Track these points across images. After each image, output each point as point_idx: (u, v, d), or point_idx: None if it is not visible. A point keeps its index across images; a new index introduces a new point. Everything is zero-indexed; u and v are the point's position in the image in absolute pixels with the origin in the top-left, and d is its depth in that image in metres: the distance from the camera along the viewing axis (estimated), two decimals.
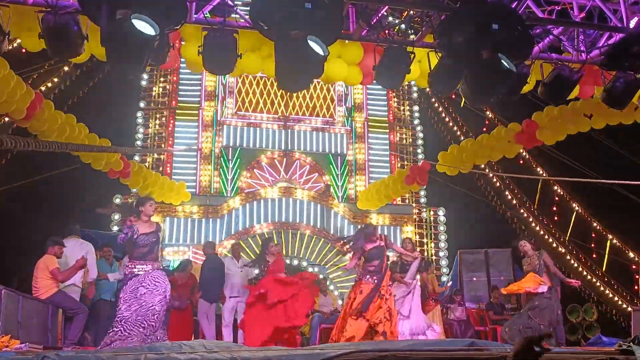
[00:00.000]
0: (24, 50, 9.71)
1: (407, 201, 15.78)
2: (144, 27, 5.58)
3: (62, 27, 5.82)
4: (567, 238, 15.58)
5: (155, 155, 14.73)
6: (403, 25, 13.09)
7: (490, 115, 17.20)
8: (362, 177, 15.58)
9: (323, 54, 6.09)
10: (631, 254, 15.87)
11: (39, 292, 7.61)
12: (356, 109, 16.04)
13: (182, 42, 7.78)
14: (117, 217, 13.76)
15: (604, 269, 15.57)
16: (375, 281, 7.94)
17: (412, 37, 10.96)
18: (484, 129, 16.73)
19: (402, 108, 16.52)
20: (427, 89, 16.57)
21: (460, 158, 11.75)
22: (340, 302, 12.35)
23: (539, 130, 10.23)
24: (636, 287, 15.76)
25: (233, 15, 7.45)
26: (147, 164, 14.19)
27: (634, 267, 15.65)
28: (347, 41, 7.94)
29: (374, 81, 7.54)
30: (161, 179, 12.88)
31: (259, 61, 7.76)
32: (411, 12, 8.51)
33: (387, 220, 14.98)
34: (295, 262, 14.08)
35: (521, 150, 14.01)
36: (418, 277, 9.48)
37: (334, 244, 8.83)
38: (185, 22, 6.25)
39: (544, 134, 10.24)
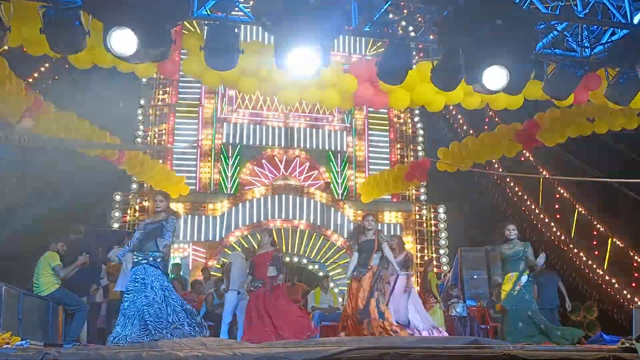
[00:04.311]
0: (25, 50, 9.66)
1: (407, 199, 15.75)
2: (122, 43, 5.59)
3: (64, 22, 5.78)
4: (571, 236, 15.54)
5: (156, 153, 14.70)
6: (404, 22, 13.06)
7: (490, 113, 17.15)
8: (361, 174, 15.57)
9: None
10: (631, 252, 15.85)
11: (40, 288, 7.59)
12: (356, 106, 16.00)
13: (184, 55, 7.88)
14: (117, 214, 13.74)
15: (605, 267, 15.53)
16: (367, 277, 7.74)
17: (412, 33, 10.92)
18: (485, 127, 16.73)
19: None
20: None
21: (461, 156, 11.73)
22: (340, 299, 12.32)
23: (539, 130, 10.20)
24: (634, 285, 15.75)
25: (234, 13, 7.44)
26: None
27: (634, 264, 15.64)
28: (343, 69, 8.43)
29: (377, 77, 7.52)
30: (159, 165, 12.82)
31: (257, 83, 7.93)
32: (413, 7, 8.49)
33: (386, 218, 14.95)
34: (296, 259, 14.07)
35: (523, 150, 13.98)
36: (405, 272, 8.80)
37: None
38: (187, 17, 6.22)
39: (544, 135, 10.20)
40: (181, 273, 12.24)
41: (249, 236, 13.79)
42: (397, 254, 8.79)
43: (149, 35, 5.84)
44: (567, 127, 9.85)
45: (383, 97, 8.62)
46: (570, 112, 9.64)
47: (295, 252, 14.09)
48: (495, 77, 6.23)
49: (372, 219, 8.07)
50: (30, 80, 13.37)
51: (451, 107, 17.60)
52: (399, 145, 16.07)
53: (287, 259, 13.72)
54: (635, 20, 7.00)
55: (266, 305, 8.24)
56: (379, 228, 11.86)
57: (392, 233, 14.75)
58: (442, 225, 15.54)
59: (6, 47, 6.50)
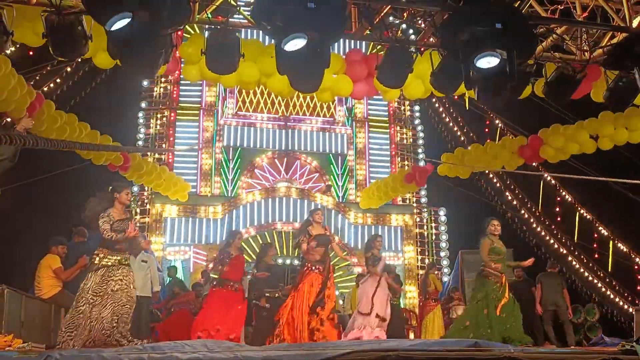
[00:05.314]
0: (31, 53, 9.71)
1: (407, 201, 15.76)
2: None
3: (66, 27, 5.80)
4: (574, 241, 15.52)
5: (157, 155, 14.74)
6: (404, 25, 13.09)
7: (491, 116, 17.17)
8: (362, 176, 15.59)
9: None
10: (632, 255, 15.83)
11: (41, 291, 7.62)
12: (356, 109, 16.03)
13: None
14: None
15: (609, 269, 15.51)
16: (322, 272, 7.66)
17: (412, 36, 10.95)
18: (486, 130, 16.76)
19: (402, 108, 16.51)
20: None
21: (462, 162, 11.77)
22: (341, 302, 12.34)
23: (543, 147, 10.22)
24: (638, 288, 15.72)
25: (236, 16, 7.49)
26: None
27: (636, 267, 15.62)
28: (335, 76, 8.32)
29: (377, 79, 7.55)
30: (166, 174, 12.82)
31: (255, 85, 7.98)
32: (412, 11, 8.54)
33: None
34: (296, 262, 14.05)
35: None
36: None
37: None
38: (188, 22, 6.24)
39: (547, 151, 10.21)
40: (177, 275, 12.24)
41: (249, 239, 13.79)
42: (378, 254, 8.86)
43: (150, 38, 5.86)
44: (570, 144, 9.81)
45: (376, 93, 8.83)
46: (573, 128, 9.65)
47: (296, 254, 14.08)
48: (487, 60, 6.11)
49: (321, 214, 8.13)
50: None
51: (452, 111, 17.68)
52: (399, 149, 16.09)
53: (287, 262, 13.74)
54: (634, 24, 7.03)
55: (213, 304, 8.26)
56: (377, 232, 11.94)
57: (393, 236, 14.80)
58: (442, 228, 15.55)
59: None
